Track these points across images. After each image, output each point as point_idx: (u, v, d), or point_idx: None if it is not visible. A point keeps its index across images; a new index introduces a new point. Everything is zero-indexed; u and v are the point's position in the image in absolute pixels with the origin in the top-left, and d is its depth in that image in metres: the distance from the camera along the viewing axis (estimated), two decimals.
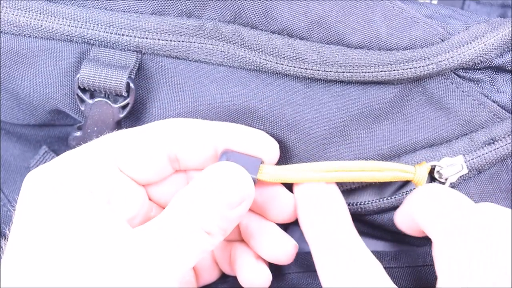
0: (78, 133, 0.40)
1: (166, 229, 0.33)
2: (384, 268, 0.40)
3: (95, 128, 0.39)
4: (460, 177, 0.38)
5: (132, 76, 0.39)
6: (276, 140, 0.38)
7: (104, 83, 0.38)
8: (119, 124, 0.39)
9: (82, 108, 0.39)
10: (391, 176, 0.37)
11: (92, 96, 0.39)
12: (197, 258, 0.34)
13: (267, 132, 0.38)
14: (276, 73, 0.38)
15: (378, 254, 0.41)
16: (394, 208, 0.39)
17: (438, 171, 0.38)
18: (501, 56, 0.38)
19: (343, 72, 0.37)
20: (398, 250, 0.41)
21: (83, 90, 0.39)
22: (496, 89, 0.38)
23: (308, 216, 0.37)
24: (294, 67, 0.37)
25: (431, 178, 0.38)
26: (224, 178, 0.35)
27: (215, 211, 0.34)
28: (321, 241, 0.35)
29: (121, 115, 0.39)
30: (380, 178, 0.38)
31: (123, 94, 0.38)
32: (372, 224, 0.41)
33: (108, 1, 0.39)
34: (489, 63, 0.38)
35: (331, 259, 0.34)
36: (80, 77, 0.38)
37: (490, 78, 0.38)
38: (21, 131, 0.44)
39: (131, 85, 0.38)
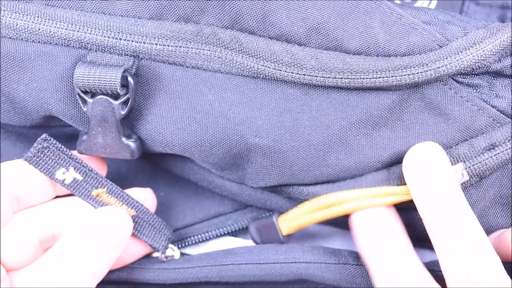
0: (84, 137, 0.40)
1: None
2: None
3: (99, 129, 0.39)
4: (462, 184, 0.38)
5: (132, 72, 0.38)
6: (276, 148, 0.38)
7: (98, 82, 0.38)
8: (122, 124, 0.39)
9: (85, 109, 0.39)
10: (399, 200, 0.38)
11: (93, 97, 0.39)
12: None
13: (265, 141, 0.38)
14: (274, 80, 0.38)
15: None
16: None
17: None
18: (499, 61, 0.38)
19: (341, 78, 0.37)
20: None
21: (83, 92, 0.39)
22: (495, 94, 0.38)
23: (369, 243, 0.37)
24: (292, 73, 0.37)
25: None
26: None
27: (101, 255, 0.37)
28: (382, 262, 0.36)
29: (123, 112, 0.39)
30: (389, 203, 0.38)
31: (119, 91, 0.38)
32: None
33: (106, 5, 0.39)
34: (487, 68, 0.38)
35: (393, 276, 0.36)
36: (75, 77, 0.38)
37: (488, 83, 0.38)
38: (20, 130, 0.44)
39: (130, 79, 0.38)
